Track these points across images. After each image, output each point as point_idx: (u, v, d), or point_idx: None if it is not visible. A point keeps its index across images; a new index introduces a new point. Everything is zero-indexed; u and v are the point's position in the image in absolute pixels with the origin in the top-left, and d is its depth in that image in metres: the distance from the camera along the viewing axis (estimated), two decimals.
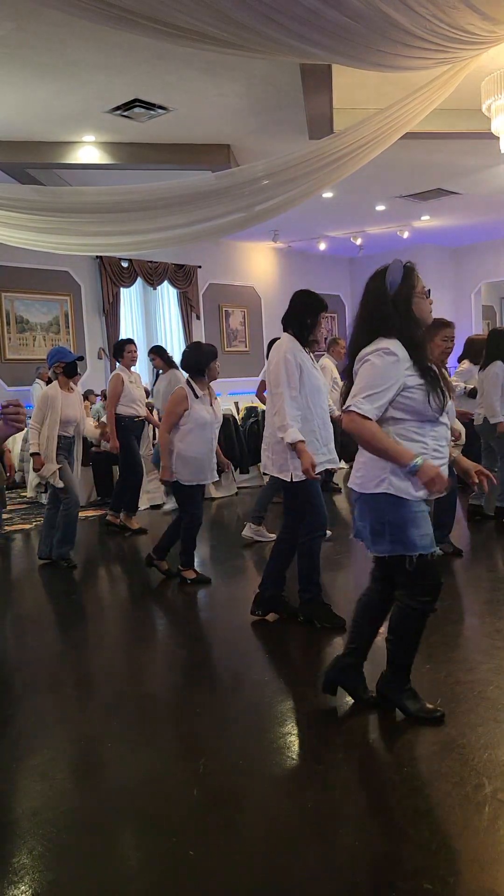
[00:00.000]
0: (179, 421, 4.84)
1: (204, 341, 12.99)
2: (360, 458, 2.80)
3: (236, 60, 5.57)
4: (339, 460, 4.55)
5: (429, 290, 2.83)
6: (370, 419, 2.62)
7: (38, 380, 9.75)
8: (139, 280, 11.68)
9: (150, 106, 6.49)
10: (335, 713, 3.08)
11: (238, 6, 3.93)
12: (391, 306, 2.71)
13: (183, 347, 12.43)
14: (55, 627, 4.53)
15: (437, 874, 2.03)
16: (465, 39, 4.60)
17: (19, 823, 2.39)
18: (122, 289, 11.47)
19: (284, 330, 4.06)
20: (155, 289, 11.97)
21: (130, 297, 11.81)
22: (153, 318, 12.17)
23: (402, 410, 2.68)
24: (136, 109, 6.55)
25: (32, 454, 5.48)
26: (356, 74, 5.76)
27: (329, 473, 7.38)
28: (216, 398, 5.08)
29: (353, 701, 3.15)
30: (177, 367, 7.15)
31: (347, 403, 2.67)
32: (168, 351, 7.58)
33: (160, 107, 6.52)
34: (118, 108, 6.51)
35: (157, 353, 7.36)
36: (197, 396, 4.87)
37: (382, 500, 2.72)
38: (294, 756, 2.73)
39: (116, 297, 11.38)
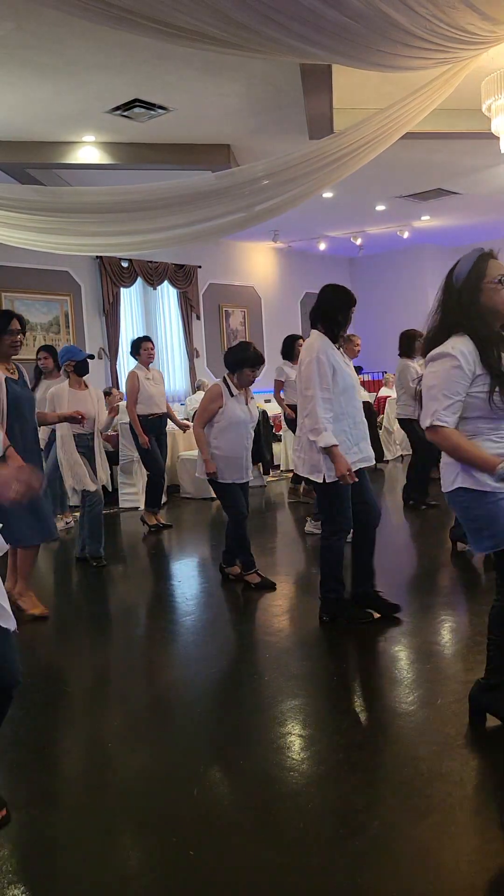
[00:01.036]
0: (214, 418, 4.82)
1: (204, 341, 13.02)
2: (442, 460, 2.72)
3: (236, 60, 5.57)
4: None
5: (502, 278, 2.58)
6: (451, 428, 2.54)
7: None
8: (139, 280, 11.67)
9: (150, 106, 6.49)
10: (336, 713, 3.08)
11: (238, 6, 3.93)
12: (456, 300, 2.60)
13: (183, 347, 12.49)
14: (54, 626, 4.52)
15: (437, 874, 2.03)
16: (465, 39, 4.59)
17: (19, 822, 2.39)
18: (122, 289, 11.46)
19: (313, 327, 3.97)
20: (155, 289, 11.97)
21: (130, 297, 11.80)
22: (153, 318, 12.16)
23: (469, 408, 2.56)
24: (136, 109, 6.55)
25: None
26: (356, 74, 5.76)
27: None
28: (252, 398, 5.04)
29: (352, 701, 3.15)
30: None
31: (428, 421, 2.56)
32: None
33: (160, 107, 6.51)
34: (118, 108, 6.50)
35: (50, 353, 7.14)
36: (232, 395, 4.84)
37: (463, 495, 2.61)
38: (296, 756, 2.73)
39: (116, 297, 11.37)
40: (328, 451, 3.76)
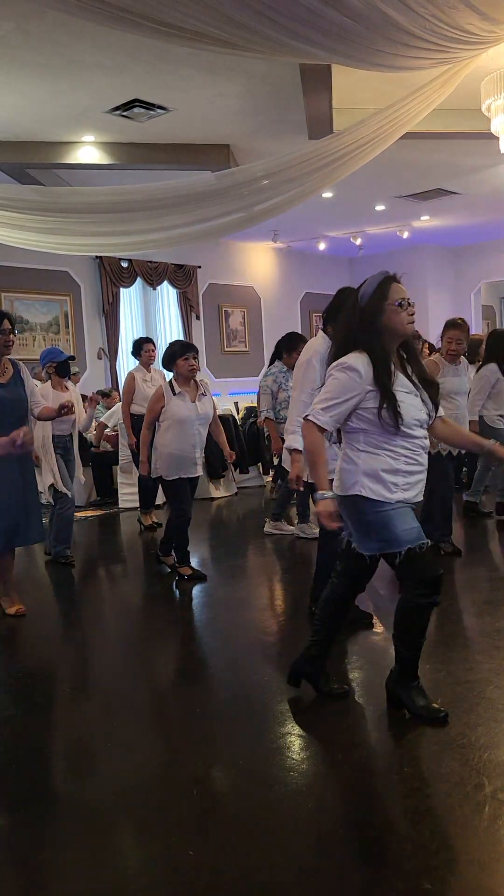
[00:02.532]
0: (159, 418, 4.92)
1: (204, 342, 13.01)
2: (338, 463, 2.89)
3: (236, 60, 5.56)
4: None
5: (405, 301, 2.74)
6: (322, 430, 2.76)
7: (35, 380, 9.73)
8: (139, 280, 11.66)
9: (149, 106, 6.49)
10: (335, 713, 3.08)
11: (238, 6, 3.92)
12: (359, 319, 2.75)
13: None
14: (53, 627, 4.52)
15: (437, 874, 2.03)
16: (465, 39, 4.59)
17: (18, 823, 2.39)
18: (121, 289, 11.45)
19: (323, 328, 3.97)
20: (155, 289, 11.96)
21: (130, 298, 11.79)
22: (153, 318, 12.15)
23: (365, 422, 2.76)
24: (136, 109, 6.54)
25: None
26: (356, 74, 5.75)
27: None
28: (205, 394, 5.05)
29: (352, 701, 3.15)
30: None
31: (306, 413, 2.80)
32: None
33: (160, 107, 6.51)
34: (118, 108, 6.50)
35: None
36: (175, 393, 4.90)
37: (359, 502, 2.79)
38: (294, 756, 2.73)
39: (116, 297, 11.36)
40: (289, 452, 3.86)
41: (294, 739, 2.86)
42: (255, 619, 4.33)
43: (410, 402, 2.75)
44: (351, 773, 2.59)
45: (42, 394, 5.51)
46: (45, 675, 3.72)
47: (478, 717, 2.88)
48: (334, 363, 2.79)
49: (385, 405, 2.68)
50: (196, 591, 4.98)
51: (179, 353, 4.96)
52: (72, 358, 5.87)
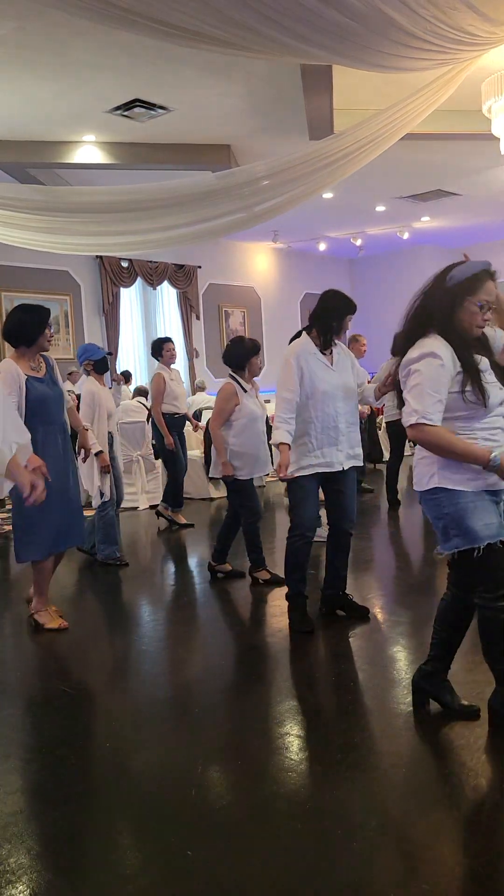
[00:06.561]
0: (231, 417, 4.81)
1: (204, 342, 13.01)
2: (415, 458, 2.78)
3: (236, 60, 5.57)
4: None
5: (487, 304, 2.58)
6: (437, 426, 2.56)
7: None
8: (139, 280, 11.68)
9: (150, 106, 6.50)
10: (335, 714, 3.08)
11: (238, 6, 3.93)
12: (439, 298, 2.60)
13: (182, 348, 12.48)
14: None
15: (435, 875, 2.03)
16: (466, 41, 4.59)
17: (18, 823, 2.39)
18: (121, 289, 11.46)
19: (308, 329, 4.00)
20: (155, 289, 11.97)
21: (130, 297, 11.80)
22: (153, 318, 12.17)
23: (446, 408, 2.59)
24: (137, 109, 6.55)
25: (97, 453, 5.21)
26: (356, 75, 5.76)
27: (360, 472, 7.36)
28: (259, 393, 5.09)
29: (350, 702, 3.15)
30: None
31: (414, 418, 2.56)
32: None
33: (160, 107, 6.52)
34: (118, 108, 6.51)
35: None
36: (245, 391, 4.87)
37: (439, 494, 2.66)
38: (294, 756, 2.73)
39: (116, 297, 11.37)
40: (276, 447, 3.84)
41: (293, 740, 2.86)
42: (255, 620, 4.33)
43: (493, 382, 2.59)
44: (349, 774, 2.59)
45: (96, 391, 5.44)
46: (45, 675, 3.72)
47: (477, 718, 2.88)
48: (416, 353, 2.59)
49: (470, 384, 2.53)
50: (195, 591, 4.98)
51: (254, 351, 4.91)
52: (109, 353, 5.88)
